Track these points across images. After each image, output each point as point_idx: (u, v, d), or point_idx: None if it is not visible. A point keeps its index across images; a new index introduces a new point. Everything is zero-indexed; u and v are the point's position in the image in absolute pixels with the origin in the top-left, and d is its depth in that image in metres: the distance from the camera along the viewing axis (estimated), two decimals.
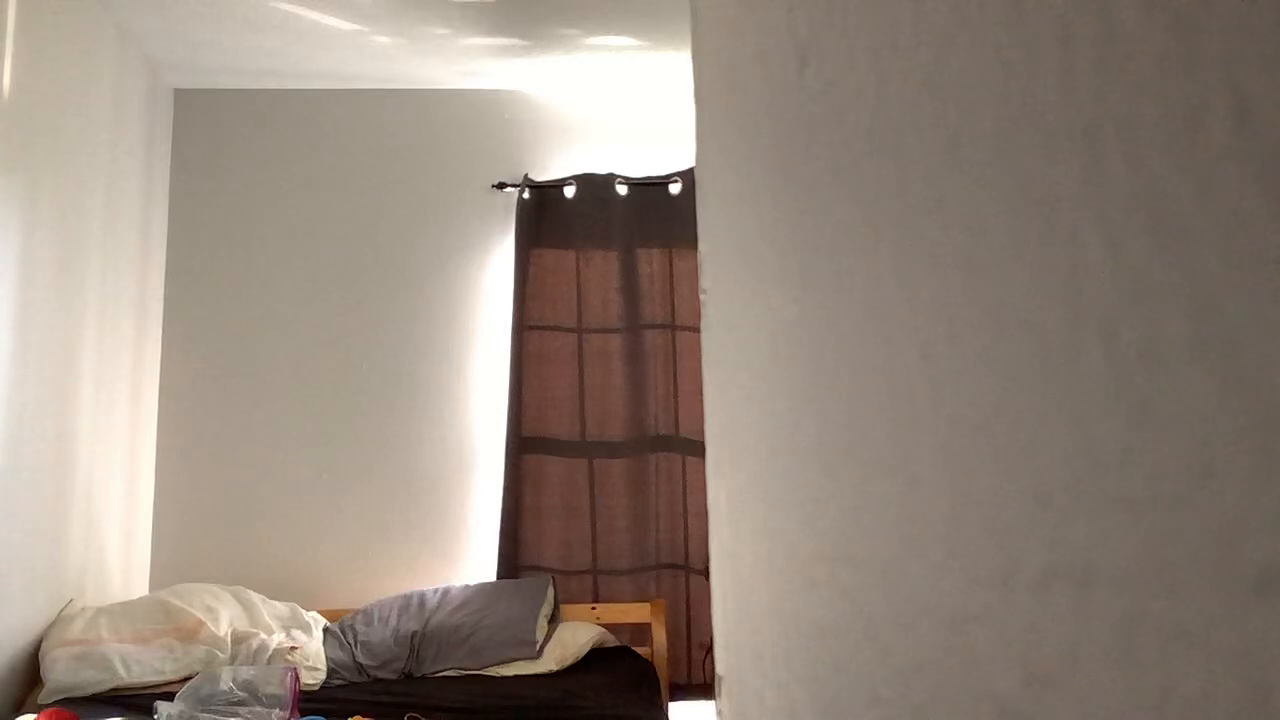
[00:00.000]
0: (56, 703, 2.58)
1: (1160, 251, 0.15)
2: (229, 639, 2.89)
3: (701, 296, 0.44)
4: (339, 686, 2.89)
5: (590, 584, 3.55)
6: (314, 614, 3.21)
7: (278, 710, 2.39)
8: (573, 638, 3.13)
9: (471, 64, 3.52)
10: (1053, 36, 0.17)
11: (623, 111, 3.80)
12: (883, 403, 0.25)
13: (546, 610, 3.17)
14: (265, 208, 3.65)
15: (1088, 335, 0.16)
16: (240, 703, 2.41)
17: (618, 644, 3.27)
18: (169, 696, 2.55)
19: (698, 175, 0.45)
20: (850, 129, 0.28)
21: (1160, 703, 0.15)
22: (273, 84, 3.65)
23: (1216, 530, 0.14)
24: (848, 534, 0.28)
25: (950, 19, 0.21)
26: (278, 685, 2.46)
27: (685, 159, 3.74)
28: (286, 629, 3.05)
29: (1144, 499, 0.15)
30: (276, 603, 3.19)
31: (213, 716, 2.33)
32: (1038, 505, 0.18)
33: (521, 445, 3.57)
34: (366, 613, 3.22)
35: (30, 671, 2.75)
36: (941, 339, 0.22)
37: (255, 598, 3.15)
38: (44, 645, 2.72)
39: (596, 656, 3.14)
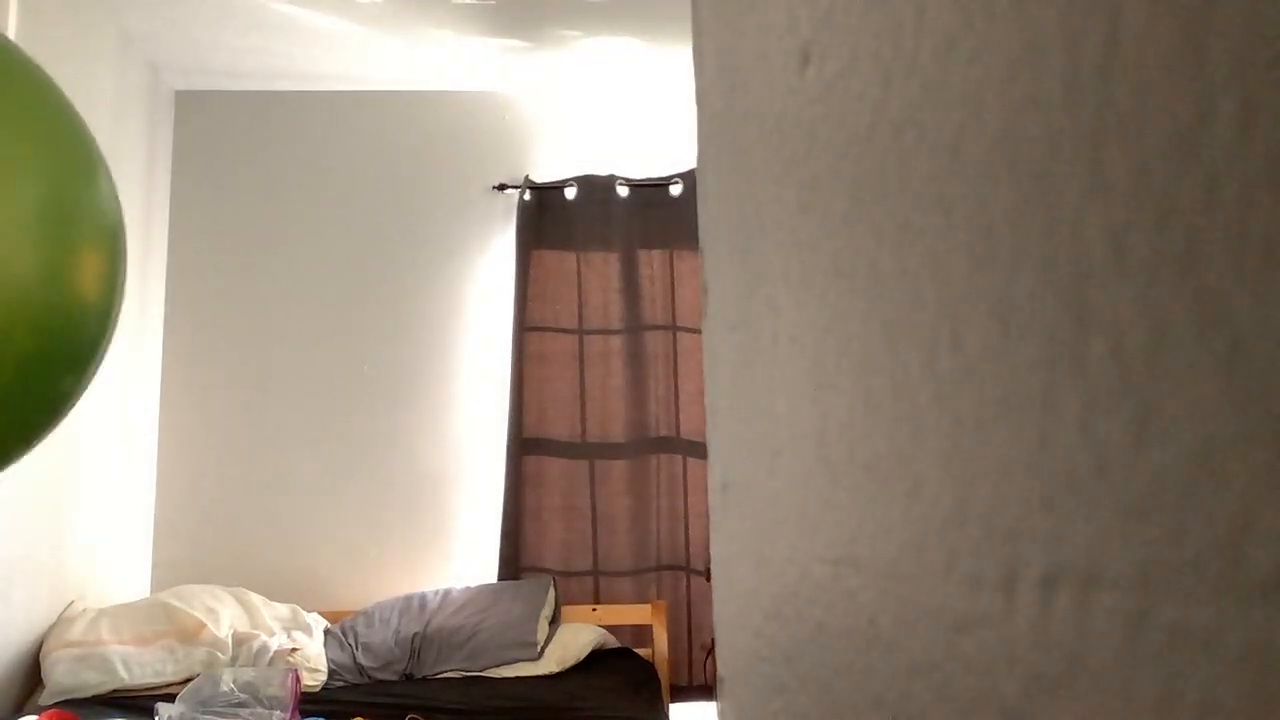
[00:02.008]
0: (57, 704, 2.58)
1: (1166, 252, 0.15)
2: (230, 640, 2.89)
3: (702, 296, 0.44)
4: (340, 688, 2.89)
5: (591, 585, 3.55)
6: (315, 615, 3.21)
7: (278, 712, 2.39)
8: (573, 639, 3.13)
9: (472, 65, 3.52)
10: (1057, 35, 0.17)
11: (623, 113, 3.80)
12: (885, 403, 0.25)
13: (547, 612, 3.17)
14: (266, 209, 3.65)
15: (1092, 336, 0.16)
16: (241, 704, 2.40)
17: (619, 645, 3.27)
18: (170, 698, 2.55)
19: (698, 175, 0.45)
20: (852, 129, 0.28)
21: (1166, 706, 0.15)
22: (274, 86, 3.66)
23: (1223, 531, 0.14)
24: (850, 536, 0.28)
25: (953, 18, 0.21)
26: (278, 687, 2.46)
27: (686, 160, 3.74)
28: (287, 630, 3.05)
29: (1149, 500, 0.15)
30: (277, 604, 3.19)
31: (213, 718, 2.33)
32: (1041, 507, 0.18)
33: (522, 446, 3.57)
34: (367, 614, 3.22)
35: (31, 673, 2.75)
36: (944, 339, 0.22)
37: (256, 599, 3.15)
38: (45, 647, 2.72)
39: (597, 658, 3.13)
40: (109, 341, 1.14)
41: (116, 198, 1.12)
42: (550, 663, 3.01)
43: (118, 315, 1.15)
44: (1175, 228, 0.14)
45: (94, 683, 2.65)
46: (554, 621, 3.20)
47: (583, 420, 3.60)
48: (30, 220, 0.94)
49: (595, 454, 3.59)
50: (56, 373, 1.03)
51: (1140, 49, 0.15)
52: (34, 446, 1.08)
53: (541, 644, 3.03)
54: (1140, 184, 0.15)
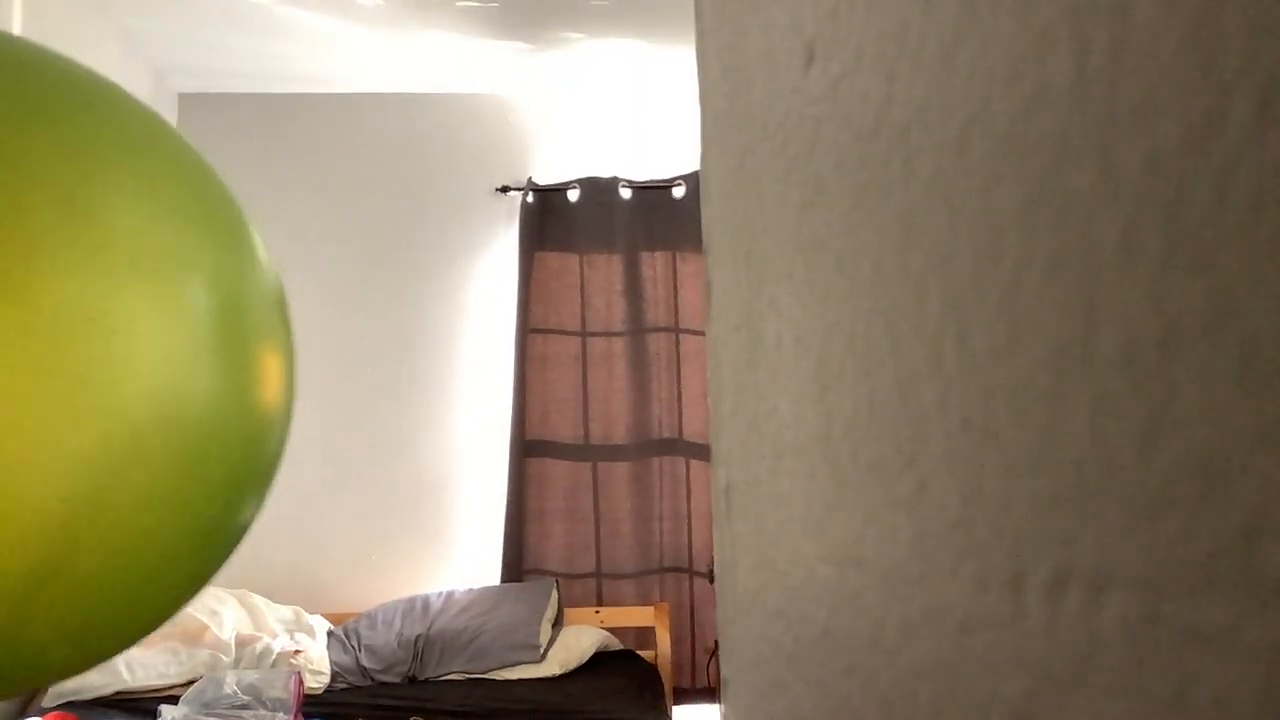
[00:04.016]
0: (60, 706, 2.58)
1: (1176, 250, 0.14)
2: (233, 642, 2.89)
3: (706, 297, 0.44)
4: (343, 690, 2.89)
5: (594, 587, 3.55)
6: (318, 617, 3.21)
7: (281, 714, 2.39)
8: (576, 641, 3.12)
9: (475, 68, 3.52)
10: (1065, 31, 0.17)
11: (626, 115, 3.79)
12: (890, 403, 0.25)
13: (550, 614, 3.16)
14: (269, 212, 3.65)
15: (1102, 335, 0.16)
16: (244, 706, 2.40)
17: (621, 648, 3.27)
18: (173, 700, 2.55)
19: (702, 175, 0.44)
20: (856, 127, 0.28)
21: (1176, 707, 0.15)
22: (277, 88, 3.66)
23: (1235, 531, 0.13)
24: (855, 537, 0.28)
25: (959, 14, 0.20)
26: (281, 689, 2.46)
27: (689, 162, 3.74)
28: (290, 632, 3.05)
29: (1160, 500, 0.15)
30: (280, 606, 3.19)
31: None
32: (1050, 507, 0.18)
33: (525, 449, 3.57)
34: (370, 616, 3.22)
35: None
36: (950, 339, 0.22)
37: (259, 601, 3.15)
38: None
39: (600, 660, 3.13)
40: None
41: (276, 270, 0.95)
42: (553, 665, 3.01)
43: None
44: (1186, 224, 0.14)
45: (97, 684, 2.65)
46: (557, 624, 3.20)
47: (585, 422, 3.60)
48: (205, 323, 0.77)
49: (598, 456, 3.59)
50: (243, 501, 0.86)
51: (1150, 42, 0.14)
52: (202, 589, 0.91)
53: (544, 646, 3.03)
54: (1150, 180, 0.15)
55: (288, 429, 0.96)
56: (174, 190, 0.82)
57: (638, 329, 3.63)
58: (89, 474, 0.71)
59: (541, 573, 3.51)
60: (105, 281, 0.73)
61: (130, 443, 0.73)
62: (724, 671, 0.43)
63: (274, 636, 2.96)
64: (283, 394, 0.93)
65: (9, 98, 0.74)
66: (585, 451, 3.59)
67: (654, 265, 3.67)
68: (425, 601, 3.27)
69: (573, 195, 3.66)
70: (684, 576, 3.57)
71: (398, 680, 2.96)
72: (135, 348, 0.73)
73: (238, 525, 0.88)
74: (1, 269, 0.67)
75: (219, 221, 0.86)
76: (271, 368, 0.88)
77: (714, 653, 3.46)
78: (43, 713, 2.52)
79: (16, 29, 2.45)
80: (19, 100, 0.74)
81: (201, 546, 0.83)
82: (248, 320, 0.85)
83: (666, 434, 3.61)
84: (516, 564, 3.50)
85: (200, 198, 0.85)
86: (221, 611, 2.97)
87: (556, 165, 3.75)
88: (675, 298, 3.66)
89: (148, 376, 0.74)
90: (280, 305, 0.95)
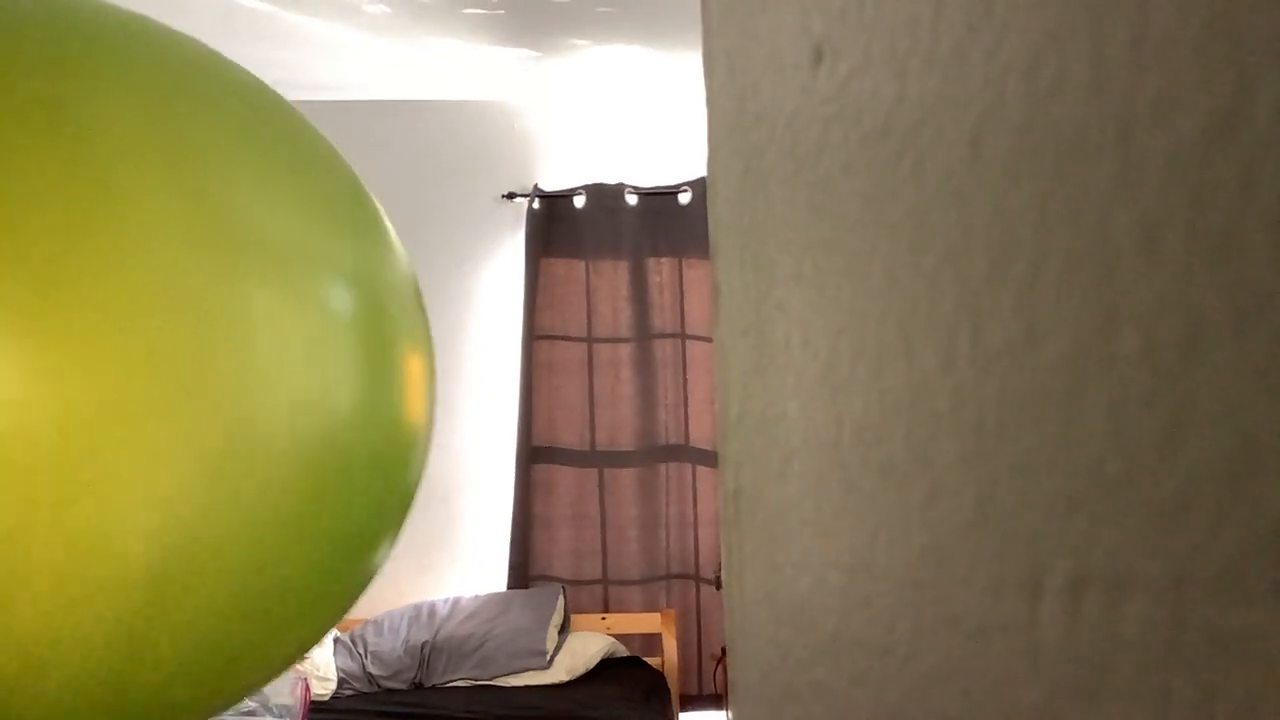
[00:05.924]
0: None
1: (1200, 244, 0.14)
2: None
3: (713, 300, 0.43)
4: (349, 697, 2.89)
5: (600, 594, 3.54)
6: None
7: None
8: (583, 648, 3.12)
9: (481, 74, 3.52)
10: (1084, 18, 0.16)
11: (632, 121, 3.80)
12: (902, 405, 0.25)
13: (556, 620, 3.16)
14: None
15: (1122, 332, 0.16)
16: (250, 713, 2.40)
17: (628, 654, 3.26)
18: None
19: (709, 178, 0.44)
20: (866, 126, 0.27)
21: (1201, 717, 0.14)
22: (283, 95, 3.67)
23: (1263, 532, 0.13)
24: (865, 541, 0.27)
25: (973, 7, 0.20)
26: (288, 695, 2.46)
27: (695, 168, 3.74)
28: None
29: (1183, 501, 0.15)
30: None
31: None
32: (1068, 509, 0.18)
33: (531, 455, 3.56)
34: (377, 623, 3.22)
35: None
36: (964, 338, 0.21)
37: None
38: None
39: (607, 667, 3.12)
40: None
41: (409, 261, 0.79)
42: (560, 671, 3.00)
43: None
44: (1211, 218, 0.14)
45: None
46: (563, 630, 3.19)
47: (592, 428, 3.59)
48: (350, 327, 0.67)
49: (604, 462, 3.58)
50: (382, 532, 0.73)
51: (1172, 29, 0.14)
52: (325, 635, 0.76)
53: (551, 653, 3.02)
54: (1172, 174, 0.14)
55: (429, 449, 0.81)
56: (297, 169, 0.68)
57: (644, 335, 3.62)
58: (205, 490, 0.60)
59: (548, 579, 3.50)
60: (221, 267, 0.61)
61: (256, 457, 0.62)
62: (732, 678, 0.43)
63: None
64: (426, 405, 0.79)
65: (101, 41, 0.63)
66: (592, 457, 3.59)
67: (660, 271, 3.67)
68: (432, 608, 3.26)
69: (579, 201, 3.66)
70: (690, 583, 3.56)
71: (404, 687, 2.95)
72: (261, 347, 0.62)
73: (372, 562, 0.75)
74: (84, 231, 0.56)
75: (351, 208, 0.73)
76: (414, 374, 0.76)
77: (721, 659, 3.45)
78: None
79: None
80: (114, 50, 0.64)
81: (333, 577, 0.70)
82: (388, 320, 0.73)
83: (673, 440, 3.61)
84: (523, 570, 3.50)
85: (329, 181, 0.71)
86: None
87: (562, 172, 3.76)
88: (681, 303, 3.66)
89: (278, 381, 0.63)
90: (418, 301, 0.80)
